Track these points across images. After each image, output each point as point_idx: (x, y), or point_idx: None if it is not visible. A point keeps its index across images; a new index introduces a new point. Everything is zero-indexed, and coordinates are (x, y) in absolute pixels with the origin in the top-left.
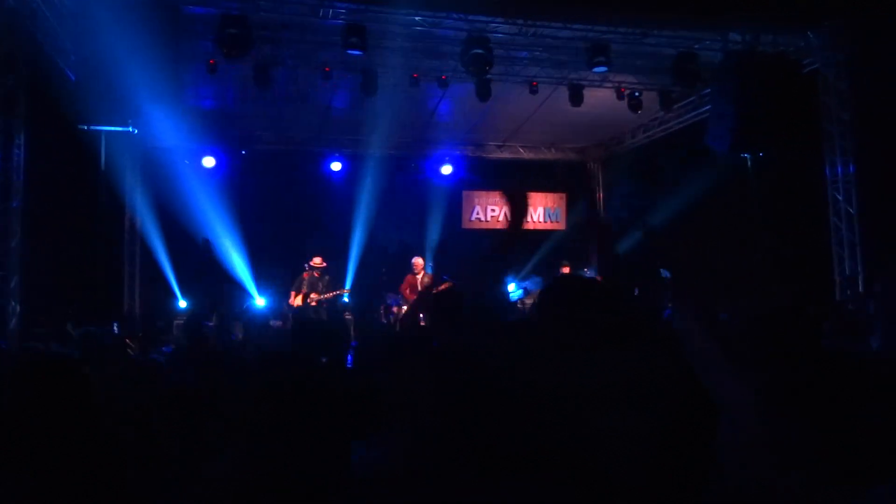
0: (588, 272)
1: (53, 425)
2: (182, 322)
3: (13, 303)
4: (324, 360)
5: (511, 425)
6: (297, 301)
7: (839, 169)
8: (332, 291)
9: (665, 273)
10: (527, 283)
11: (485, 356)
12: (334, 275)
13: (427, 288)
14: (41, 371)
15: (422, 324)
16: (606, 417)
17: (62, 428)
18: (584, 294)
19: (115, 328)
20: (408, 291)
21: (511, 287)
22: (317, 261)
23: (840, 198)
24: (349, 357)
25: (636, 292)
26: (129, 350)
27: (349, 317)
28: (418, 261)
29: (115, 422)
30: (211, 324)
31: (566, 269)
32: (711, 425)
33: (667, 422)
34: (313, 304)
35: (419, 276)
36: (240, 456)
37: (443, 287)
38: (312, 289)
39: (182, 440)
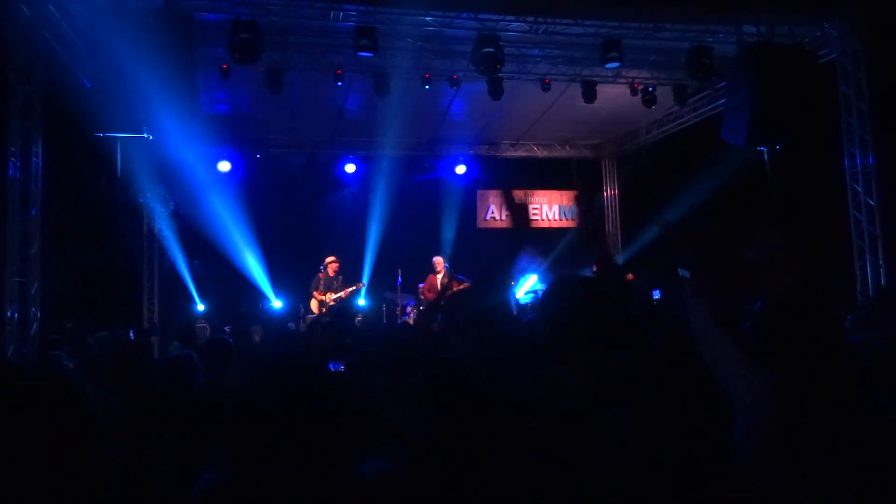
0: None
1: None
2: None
3: (33, 309)
4: (334, 367)
5: (509, 434)
6: (315, 306)
7: (858, 160)
8: (346, 289)
9: (683, 272)
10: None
11: (483, 366)
12: (348, 273)
13: (443, 289)
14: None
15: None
16: (603, 422)
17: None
18: (585, 295)
19: (132, 334)
20: (428, 291)
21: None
22: (330, 259)
23: (860, 189)
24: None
25: (657, 294)
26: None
27: (362, 318)
28: (439, 259)
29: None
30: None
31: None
32: (716, 425)
33: (667, 423)
34: (331, 303)
35: (440, 276)
36: (235, 466)
37: (458, 288)
38: (329, 289)
39: (180, 449)
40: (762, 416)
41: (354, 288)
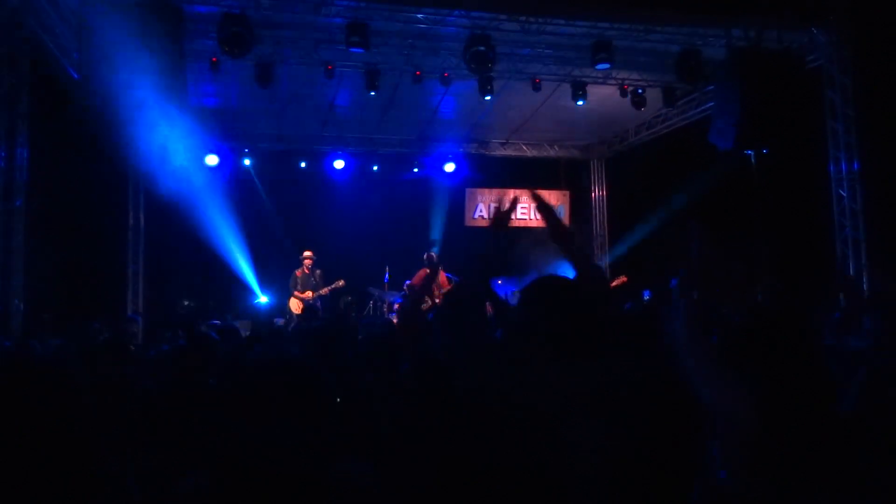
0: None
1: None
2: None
3: (17, 301)
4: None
5: (486, 440)
6: (295, 305)
7: (843, 166)
8: (326, 286)
9: (673, 282)
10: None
11: (466, 367)
12: (336, 270)
13: (428, 282)
14: (24, 372)
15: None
16: (582, 430)
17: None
18: (563, 297)
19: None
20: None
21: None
22: (307, 254)
23: (844, 195)
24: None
25: (647, 295)
26: (130, 347)
27: (352, 314)
28: (432, 255)
29: (96, 425)
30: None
31: None
32: (694, 433)
33: (644, 432)
34: (309, 300)
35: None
36: (219, 466)
37: (448, 286)
38: (307, 286)
39: (164, 448)
40: (739, 424)
41: (335, 286)
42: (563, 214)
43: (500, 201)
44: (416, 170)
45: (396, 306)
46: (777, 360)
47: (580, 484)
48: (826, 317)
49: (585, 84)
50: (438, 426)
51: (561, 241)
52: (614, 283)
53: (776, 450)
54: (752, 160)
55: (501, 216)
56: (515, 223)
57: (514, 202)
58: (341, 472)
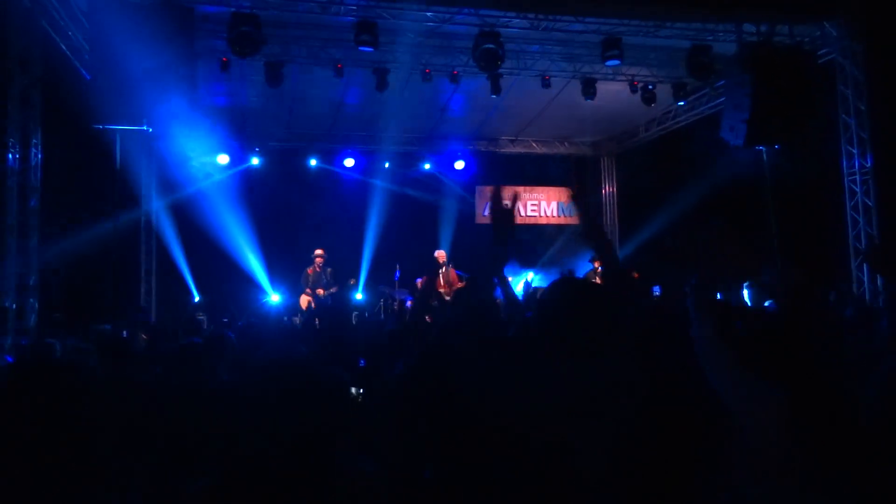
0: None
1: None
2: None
3: (32, 300)
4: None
5: (489, 437)
6: (306, 303)
7: (856, 161)
8: (336, 285)
9: (690, 284)
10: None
11: (472, 365)
12: (346, 268)
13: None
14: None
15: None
16: (589, 431)
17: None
18: (584, 299)
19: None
20: (441, 286)
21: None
22: (318, 252)
23: (857, 190)
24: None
25: (657, 291)
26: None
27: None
28: (441, 253)
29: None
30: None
31: (598, 264)
32: (715, 434)
33: (653, 433)
34: (319, 294)
35: (442, 270)
36: (228, 466)
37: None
38: (317, 284)
39: (172, 448)
40: (766, 430)
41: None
42: (574, 211)
43: (502, 197)
44: (425, 167)
45: (409, 304)
46: (793, 362)
47: (588, 485)
48: (837, 315)
49: (595, 81)
50: (442, 421)
51: (593, 240)
52: None
53: (797, 454)
54: (764, 156)
55: (507, 212)
56: (526, 220)
57: (515, 198)
58: (345, 468)
